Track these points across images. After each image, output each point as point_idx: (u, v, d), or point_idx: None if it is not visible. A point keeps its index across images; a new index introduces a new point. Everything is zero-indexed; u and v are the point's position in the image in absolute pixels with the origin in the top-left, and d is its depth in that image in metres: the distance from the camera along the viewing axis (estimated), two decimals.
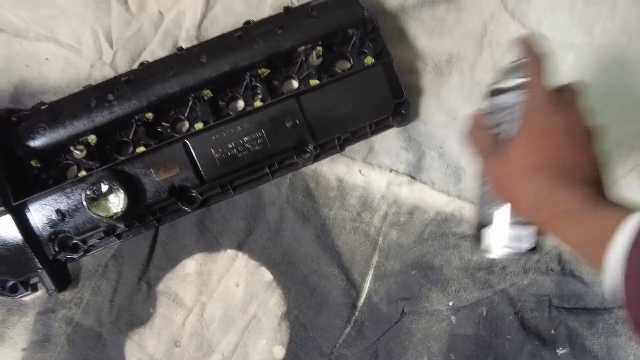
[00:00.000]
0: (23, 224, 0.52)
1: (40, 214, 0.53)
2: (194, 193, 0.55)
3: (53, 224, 0.53)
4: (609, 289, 0.30)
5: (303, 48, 0.58)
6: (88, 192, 0.51)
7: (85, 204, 0.51)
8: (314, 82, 0.57)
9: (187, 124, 0.58)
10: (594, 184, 0.35)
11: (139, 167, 0.53)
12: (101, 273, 0.56)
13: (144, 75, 0.58)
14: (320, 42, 0.58)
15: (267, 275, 0.55)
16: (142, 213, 0.54)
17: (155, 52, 0.63)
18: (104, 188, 0.51)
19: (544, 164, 0.36)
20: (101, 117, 0.56)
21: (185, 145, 0.54)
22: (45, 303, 0.56)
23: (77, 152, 0.54)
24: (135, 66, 0.62)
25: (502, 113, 0.41)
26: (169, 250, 0.56)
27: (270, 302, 0.55)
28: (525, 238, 0.40)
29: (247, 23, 0.61)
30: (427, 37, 0.62)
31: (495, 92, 0.42)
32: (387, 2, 0.63)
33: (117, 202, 0.51)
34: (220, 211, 0.57)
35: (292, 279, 0.55)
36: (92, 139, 0.56)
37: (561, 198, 0.34)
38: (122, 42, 0.63)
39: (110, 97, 0.56)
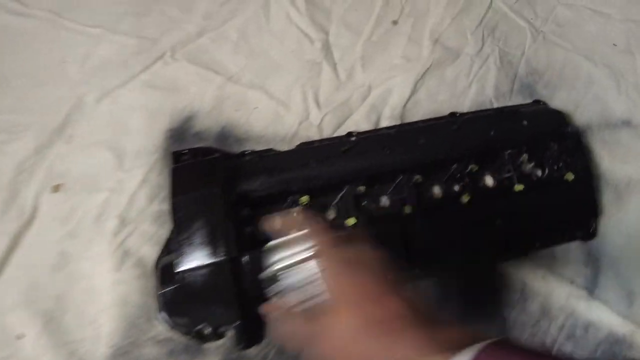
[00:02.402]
0: (237, 276, 0.53)
1: (252, 269, 0.53)
2: None
3: (261, 281, 0.54)
4: None
5: (509, 151, 0.62)
6: None
7: None
8: (519, 187, 0.60)
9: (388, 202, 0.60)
10: (422, 327, 0.35)
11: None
12: None
13: (361, 148, 0.60)
14: (525, 148, 0.62)
15: None
16: None
17: (359, 122, 0.65)
18: None
19: (368, 322, 0.36)
20: (316, 180, 0.58)
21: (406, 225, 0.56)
22: (227, 353, 0.56)
23: (294, 212, 0.56)
24: (339, 133, 0.65)
25: (299, 291, 0.40)
26: None
27: None
28: None
29: (452, 114, 0.65)
30: (609, 158, 0.66)
31: (280, 272, 0.42)
32: (575, 119, 0.68)
33: None
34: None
35: None
36: (305, 199, 0.57)
37: (392, 349, 0.34)
38: (329, 107, 0.66)
39: (329, 163, 0.59)
